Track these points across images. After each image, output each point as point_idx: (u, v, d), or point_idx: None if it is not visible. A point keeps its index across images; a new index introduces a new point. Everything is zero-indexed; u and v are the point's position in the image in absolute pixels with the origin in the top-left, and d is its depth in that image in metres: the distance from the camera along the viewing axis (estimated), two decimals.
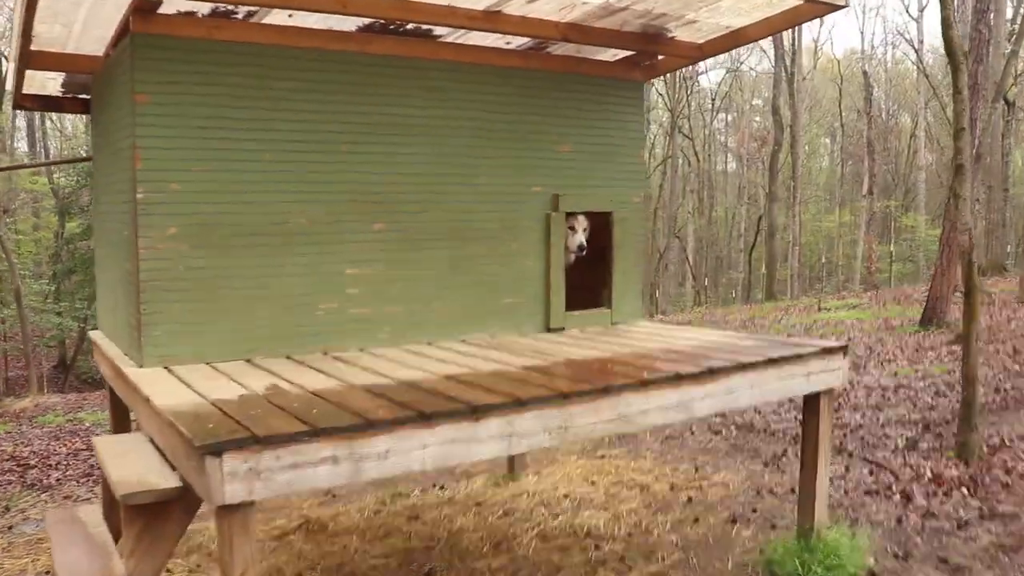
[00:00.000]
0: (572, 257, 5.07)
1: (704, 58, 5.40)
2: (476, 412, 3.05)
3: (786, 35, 28.93)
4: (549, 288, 4.93)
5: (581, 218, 5.10)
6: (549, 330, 4.96)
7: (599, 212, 5.13)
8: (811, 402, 4.20)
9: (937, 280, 12.50)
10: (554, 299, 4.94)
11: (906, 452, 6.25)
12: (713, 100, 37.47)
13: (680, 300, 33.06)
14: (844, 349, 4.22)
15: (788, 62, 28.56)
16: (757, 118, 42.66)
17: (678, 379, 3.59)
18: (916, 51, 31.50)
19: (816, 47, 38.32)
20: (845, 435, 6.86)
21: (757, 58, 38.59)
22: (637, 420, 3.50)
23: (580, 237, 5.06)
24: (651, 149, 37.88)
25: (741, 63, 37.31)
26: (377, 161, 4.43)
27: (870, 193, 29.43)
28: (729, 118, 43.12)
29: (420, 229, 4.56)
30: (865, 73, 28.34)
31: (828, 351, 4.15)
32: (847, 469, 5.92)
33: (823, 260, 35.67)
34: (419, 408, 2.99)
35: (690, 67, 35.01)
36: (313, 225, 4.27)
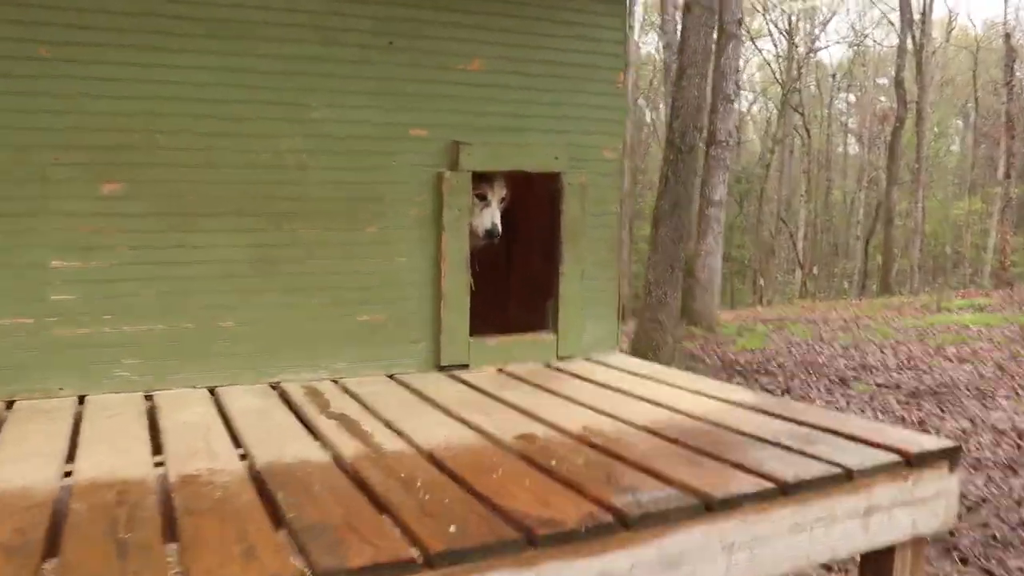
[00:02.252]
0: (480, 243, 2.98)
1: None
2: None
3: (915, 1, 25.35)
4: (441, 299, 2.85)
5: (498, 182, 3.00)
6: (442, 368, 2.89)
7: (539, 174, 3.00)
8: (876, 564, 1.99)
9: None
10: (449, 317, 2.86)
11: None
12: (833, 76, 33.89)
13: (787, 289, 29.94)
14: (953, 456, 1.98)
15: (916, 32, 25.01)
16: (882, 98, 38.57)
17: (530, 545, 1.48)
18: None
19: (950, 18, 34.07)
20: (959, 516, 4.48)
21: (884, 31, 34.69)
22: None
23: (492, 213, 2.96)
24: (767, 129, 34.65)
25: (865, 36, 33.56)
26: (114, 77, 2.46)
27: (1007, 177, 25.57)
28: (851, 98, 39.18)
29: (198, 196, 2.56)
30: (1007, 36, 24.43)
31: (915, 463, 1.93)
32: None
33: (949, 251, 31.73)
34: None
35: (807, 39, 31.59)
36: None
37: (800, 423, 2.17)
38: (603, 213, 3.08)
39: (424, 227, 2.81)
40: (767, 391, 7.79)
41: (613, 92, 3.08)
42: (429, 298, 2.84)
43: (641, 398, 2.50)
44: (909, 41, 24.71)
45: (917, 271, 26.21)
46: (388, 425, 2.20)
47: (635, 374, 2.85)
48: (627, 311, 15.53)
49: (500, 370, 2.91)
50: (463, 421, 2.23)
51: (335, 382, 2.72)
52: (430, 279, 2.83)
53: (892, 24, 31.05)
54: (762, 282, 27.44)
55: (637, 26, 27.48)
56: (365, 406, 2.40)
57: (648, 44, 30.58)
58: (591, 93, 3.04)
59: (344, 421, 2.22)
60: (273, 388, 2.63)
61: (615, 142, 3.09)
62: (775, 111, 32.97)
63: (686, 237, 9.22)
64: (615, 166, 3.10)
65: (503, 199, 3.03)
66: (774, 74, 30.42)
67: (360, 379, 2.74)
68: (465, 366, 2.89)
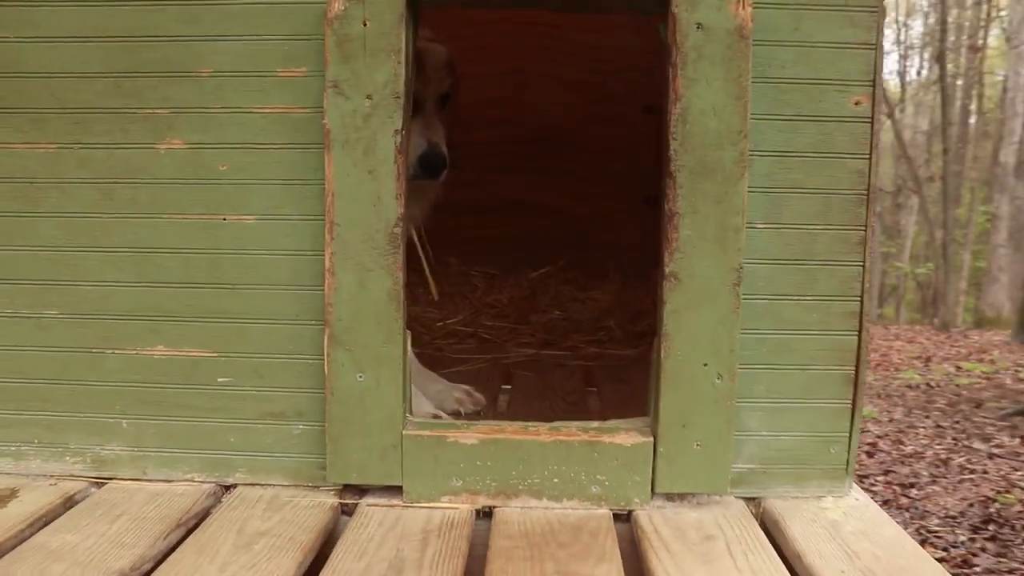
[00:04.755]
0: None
1: None
2: None
3: None
4: (327, 323, 1.13)
5: (434, 60, 1.35)
6: (345, 490, 1.15)
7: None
8: None
9: None
10: (347, 367, 1.09)
11: None
12: None
13: None
14: None
15: None
16: None
17: None
18: None
19: None
20: None
21: None
22: None
23: (428, 126, 1.33)
24: None
25: None
26: None
27: None
28: None
29: None
30: None
31: None
32: None
33: None
34: None
35: None
36: None
37: None
38: (806, 116, 1.07)
39: (296, 146, 1.10)
40: None
41: None
42: (307, 317, 1.12)
43: None
44: None
45: None
46: None
47: None
48: None
49: (485, 512, 1.10)
50: None
51: (99, 484, 1.16)
52: (306, 272, 1.11)
53: None
54: None
55: None
56: None
57: None
58: None
59: None
60: None
61: None
62: None
63: None
64: None
65: (446, 95, 1.38)
66: None
67: (141, 486, 1.14)
68: (396, 490, 1.13)
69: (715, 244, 1.06)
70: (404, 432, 1.11)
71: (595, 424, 1.14)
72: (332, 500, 1.13)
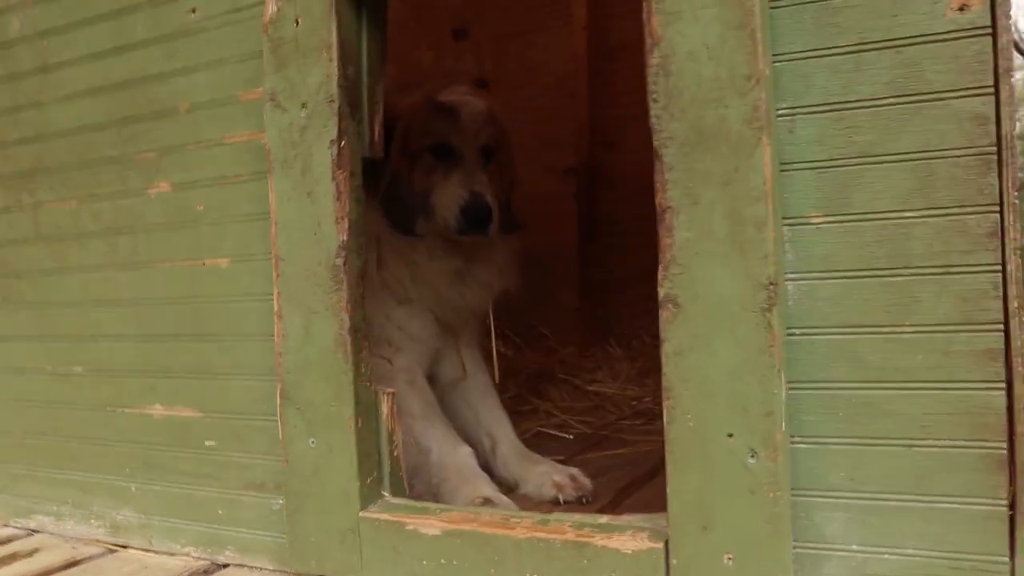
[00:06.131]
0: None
1: None
2: None
3: None
4: (281, 379, 0.91)
5: (470, 112, 1.25)
6: None
7: None
8: None
9: None
10: (300, 434, 0.89)
11: None
12: None
13: None
14: None
15: None
16: None
17: None
18: None
19: None
20: None
21: None
22: None
23: (468, 178, 1.21)
24: None
25: None
26: None
27: None
28: None
29: None
30: None
31: None
32: None
33: None
34: None
35: None
36: None
37: None
38: (874, 42, 0.66)
39: (261, 175, 0.95)
40: None
41: None
42: (274, 372, 0.95)
43: None
44: None
45: None
46: None
47: None
48: None
49: None
50: None
51: (113, 551, 1.08)
52: (271, 320, 0.95)
53: None
54: None
55: None
56: None
57: None
58: None
59: None
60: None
61: None
62: None
63: None
64: None
65: (490, 150, 1.27)
66: None
67: (142, 558, 1.03)
68: None
69: (727, 248, 0.70)
70: (361, 514, 0.88)
71: (602, 519, 0.80)
72: None
